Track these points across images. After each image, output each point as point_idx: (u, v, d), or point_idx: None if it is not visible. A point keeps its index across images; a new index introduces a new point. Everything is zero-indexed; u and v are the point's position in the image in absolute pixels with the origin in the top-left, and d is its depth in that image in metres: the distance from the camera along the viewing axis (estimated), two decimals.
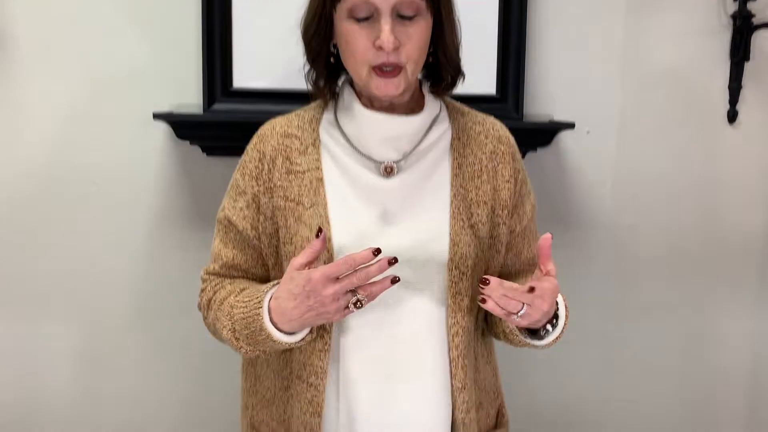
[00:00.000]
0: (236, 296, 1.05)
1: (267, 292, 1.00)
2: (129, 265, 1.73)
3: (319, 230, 0.94)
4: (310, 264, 0.96)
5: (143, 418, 1.78)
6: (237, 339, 1.03)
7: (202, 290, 1.15)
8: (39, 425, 1.76)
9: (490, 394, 1.18)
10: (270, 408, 1.14)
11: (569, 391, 1.80)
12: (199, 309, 1.16)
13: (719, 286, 1.86)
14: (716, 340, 1.88)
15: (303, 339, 1.01)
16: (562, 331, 1.06)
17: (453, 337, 1.07)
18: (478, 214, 1.09)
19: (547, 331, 1.04)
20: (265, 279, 1.13)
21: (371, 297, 0.95)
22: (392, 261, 0.93)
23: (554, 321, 1.04)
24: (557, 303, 1.03)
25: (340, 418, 1.07)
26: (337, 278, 0.93)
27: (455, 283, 1.06)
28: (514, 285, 0.94)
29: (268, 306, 0.98)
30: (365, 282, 0.93)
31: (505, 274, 1.17)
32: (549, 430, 1.81)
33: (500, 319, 1.04)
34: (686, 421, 1.90)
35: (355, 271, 0.93)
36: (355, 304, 0.93)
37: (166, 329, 1.75)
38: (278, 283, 1.00)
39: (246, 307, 1.01)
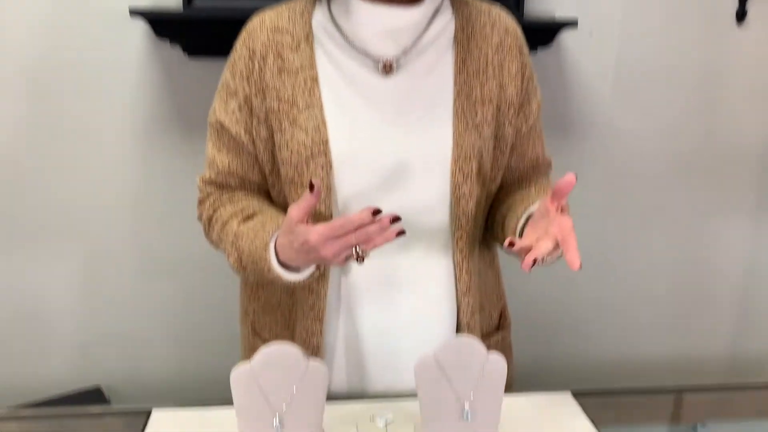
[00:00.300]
0: (239, 225, 1.01)
1: (272, 234, 0.96)
2: (112, 175, 1.68)
3: (311, 184, 0.88)
4: (307, 216, 0.91)
5: (143, 330, 1.78)
6: (244, 269, 1.00)
7: (200, 202, 1.11)
8: (42, 338, 1.75)
9: (493, 297, 1.18)
10: (275, 313, 1.12)
11: (569, 295, 1.81)
12: (199, 220, 1.12)
13: (719, 191, 1.85)
14: (713, 245, 1.89)
15: (311, 275, 0.99)
16: None
17: (457, 241, 1.04)
18: (482, 114, 1.03)
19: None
20: (263, 186, 1.09)
21: (375, 247, 0.90)
22: (394, 220, 0.88)
23: None
24: None
25: (340, 323, 1.06)
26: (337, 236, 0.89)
27: (458, 186, 1.02)
28: (545, 250, 0.87)
29: (275, 248, 0.95)
30: (365, 241, 0.89)
31: (508, 177, 1.13)
32: (549, 332, 1.84)
33: (504, 236, 1.02)
34: (679, 323, 1.93)
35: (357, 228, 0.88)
36: (356, 258, 0.90)
37: (156, 238, 1.72)
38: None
39: (252, 244, 0.97)
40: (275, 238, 0.95)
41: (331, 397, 1.09)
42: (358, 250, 0.89)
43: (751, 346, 1.99)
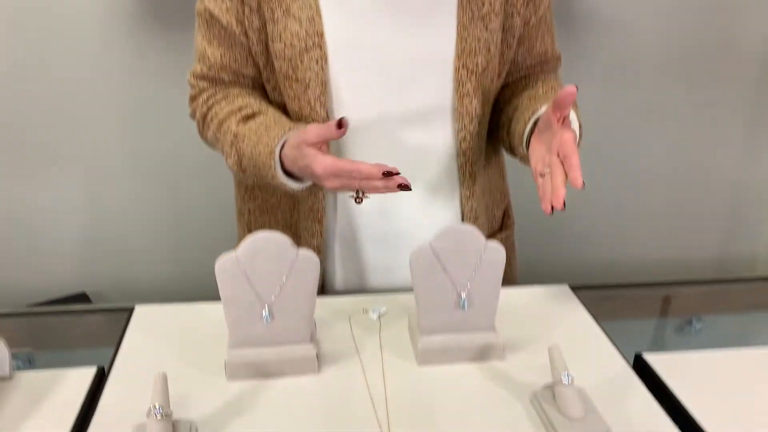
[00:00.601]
0: (238, 125, 0.94)
1: (278, 141, 0.89)
2: (100, 73, 1.58)
3: (340, 122, 0.82)
4: (322, 144, 0.86)
5: (135, 236, 1.73)
6: (243, 171, 0.94)
7: (192, 98, 1.03)
8: (33, 245, 1.70)
9: (497, 196, 1.13)
10: (274, 214, 1.08)
11: (570, 194, 1.77)
12: (191, 118, 1.04)
13: (718, 90, 1.79)
14: (710, 145, 1.84)
15: (314, 183, 0.93)
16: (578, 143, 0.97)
17: (461, 142, 0.98)
18: (490, 3, 0.94)
19: None
20: (257, 80, 1.01)
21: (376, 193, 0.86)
22: (403, 187, 0.83)
23: None
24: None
25: (338, 225, 1.02)
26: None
27: (462, 83, 0.95)
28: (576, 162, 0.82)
29: (280, 156, 0.89)
30: (368, 188, 0.84)
31: (514, 73, 1.06)
32: (551, 233, 1.81)
33: (510, 141, 0.98)
34: (672, 224, 1.91)
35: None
36: (355, 199, 0.86)
37: (148, 139, 1.64)
38: (291, 132, 0.89)
39: (255, 149, 0.90)
40: (281, 145, 0.89)
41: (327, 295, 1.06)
42: (359, 193, 0.85)
43: (740, 249, 1.98)
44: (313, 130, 0.85)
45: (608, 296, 1.46)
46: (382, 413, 0.77)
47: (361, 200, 0.86)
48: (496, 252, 0.84)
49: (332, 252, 1.05)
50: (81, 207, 1.69)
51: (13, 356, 0.82)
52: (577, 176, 0.81)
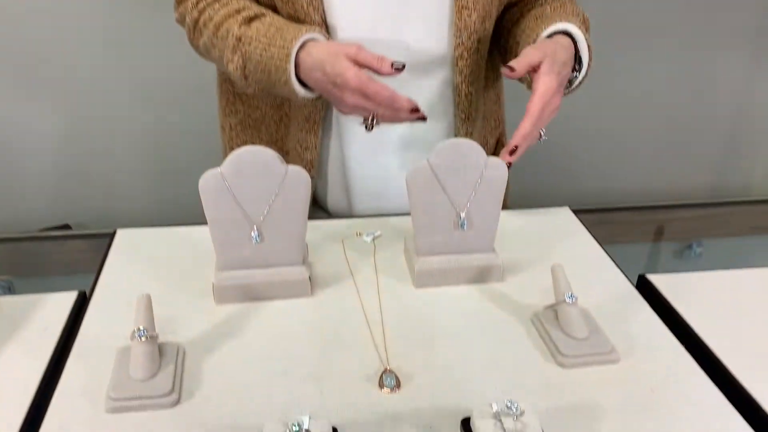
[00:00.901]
0: (241, 27, 0.86)
1: (295, 43, 0.82)
2: None
3: (396, 65, 0.80)
4: (361, 66, 0.80)
5: (117, 163, 1.66)
6: (246, 78, 0.87)
7: (178, 2, 0.95)
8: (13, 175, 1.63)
9: (491, 123, 1.08)
10: (258, 128, 1.02)
11: (567, 119, 1.71)
12: (179, 23, 0.96)
13: (722, 14, 1.71)
14: (712, 71, 1.78)
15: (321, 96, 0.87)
16: (587, 69, 0.91)
17: (457, 60, 0.92)
18: None
19: (572, 83, 0.90)
20: None
21: (384, 122, 0.83)
22: (421, 118, 0.82)
23: (577, 66, 0.89)
24: (576, 46, 0.88)
25: (332, 141, 0.97)
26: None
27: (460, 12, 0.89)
28: (523, 131, 0.81)
29: (296, 60, 0.83)
30: (386, 117, 0.82)
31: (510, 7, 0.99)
32: (547, 162, 1.76)
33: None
34: (669, 150, 1.86)
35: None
36: (367, 125, 0.82)
37: (129, 60, 1.56)
38: (309, 34, 0.84)
39: (266, 51, 0.83)
40: (299, 44, 0.83)
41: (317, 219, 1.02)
42: (375, 119, 0.81)
43: (735, 176, 1.95)
44: (362, 50, 0.80)
45: (607, 220, 1.44)
46: (378, 335, 0.74)
47: (372, 128, 0.82)
48: (497, 168, 0.79)
49: (325, 168, 1.00)
50: (59, 135, 1.62)
51: None
52: (508, 150, 0.81)
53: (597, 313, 0.76)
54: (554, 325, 0.73)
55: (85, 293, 0.80)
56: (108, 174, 1.68)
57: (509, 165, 0.81)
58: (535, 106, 0.81)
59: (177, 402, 0.64)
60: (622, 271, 0.86)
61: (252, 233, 0.76)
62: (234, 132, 1.03)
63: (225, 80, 1.02)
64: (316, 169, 0.99)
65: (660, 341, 0.73)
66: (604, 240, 0.95)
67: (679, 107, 1.81)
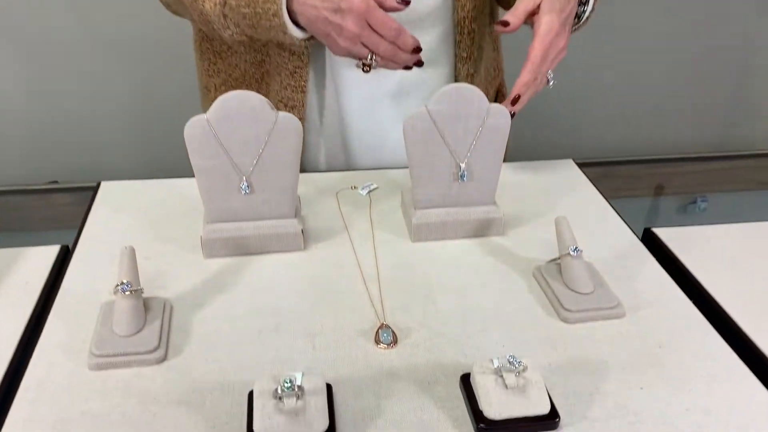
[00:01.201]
0: None
1: None
2: None
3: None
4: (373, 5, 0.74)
5: (99, 122, 1.61)
6: (224, 16, 0.80)
7: None
8: None
9: (491, 71, 1.03)
10: (239, 88, 0.96)
11: (572, 75, 1.66)
12: None
13: None
14: (718, 23, 1.72)
15: (311, 38, 0.80)
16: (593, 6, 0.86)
17: None
18: None
19: (580, 17, 0.85)
20: None
21: (381, 64, 0.77)
22: (418, 63, 0.78)
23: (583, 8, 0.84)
24: None
25: (324, 94, 0.92)
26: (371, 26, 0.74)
27: None
28: (524, 78, 0.77)
29: None
30: (386, 55, 0.75)
31: None
32: (548, 115, 1.71)
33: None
34: (673, 105, 1.81)
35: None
36: (364, 64, 0.76)
37: (105, 18, 1.49)
38: None
39: None
40: None
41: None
42: (373, 58, 0.75)
43: (740, 132, 1.91)
44: None
45: (611, 174, 1.39)
46: (374, 290, 0.71)
47: (370, 68, 0.77)
48: (500, 116, 0.75)
49: (314, 126, 0.95)
50: (39, 92, 1.56)
51: None
52: (510, 100, 0.78)
53: (602, 267, 0.73)
54: (557, 280, 0.70)
55: (68, 247, 0.77)
56: (95, 130, 1.63)
57: (512, 115, 0.77)
58: (535, 50, 0.77)
59: (163, 358, 0.61)
60: (627, 224, 0.83)
61: (241, 184, 0.73)
62: (218, 93, 0.98)
63: (203, 38, 0.96)
64: (305, 128, 0.94)
65: (667, 296, 0.71)
66: (607, 194, 0.92)
67: (684, 59, 1.75)
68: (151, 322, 0.63)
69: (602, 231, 0.82)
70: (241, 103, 0.69)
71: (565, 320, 0.67)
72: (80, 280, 0.71)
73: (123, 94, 1.58)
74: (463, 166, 0.76)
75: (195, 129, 0.70)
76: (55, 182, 1.65)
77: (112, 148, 1.64)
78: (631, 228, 0.82)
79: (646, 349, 0.63)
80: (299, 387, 0.53)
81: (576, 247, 0.69)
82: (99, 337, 0.61)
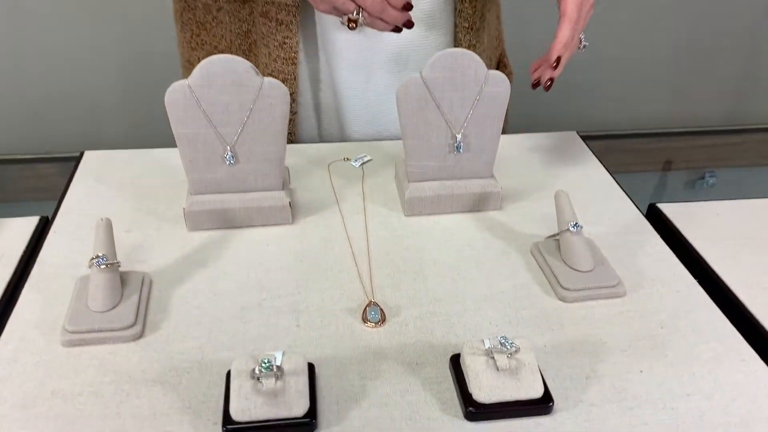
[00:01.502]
0: None
1: None
2: None
3: None
4: None
5: (91, 91, 1.57)
6: None
7: None
8: None
9: (493, 41, 0.98)
10: None
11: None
12: None
13: None
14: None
15: None
16: None
17: None
18: None
19: None
20: None
21: (368, 22, 0.72)
22: (407, 24, 0.73)
23: None
24: None
25: (315, 66, 0.88)
26: None
27: None
28: (564, 37, 0.72)
29: None
30: (374, 10, 0.70)
31: None
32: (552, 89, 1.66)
33: None
34: (681, 76, 1.75)
35: None
36: (349, 19, 0.71)
37: None
38: None
39: None
40: None
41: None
42: (360, 14, 0.71)
43: (751, 104, 1.85)
44: None
45: (616, 147, 1.34)
46: (363, 266, 0.68)
47: (356, 26, 0.72)
48: (499, 84, 0.71)
49: (307, 99, 0.91)
50: (27, 60, 1.51)
51: None
52: (551, 64, 0.73)
53: (603, 244, 0.70)
54: (556, 257, 0.67)
55: (47, 218, 0.74)
56: (85, 98, 1.58)
57: (550, 83, 0.73)
58: (570, 5, 0.71)
59: (140, 335, 0.58)
60: (631, 199, 0.79)
61: (225, 154, 0.69)
62: None
63: (185, 8, 0.91)
64: (296, 102, 0.90)
65: (671, 274, 0.67)
66: (611, 168, 0.88)
67: (693, 28, 1.69)
68: (128, 297, 0.60)
69: (605, 206, 0.78)
70: (224, 68, 0.66)
71: (562, 299, 0.64)
72: (58, 253, 0.68)
73: (113, 61, 1.53)
74: (459, 136, 0.73)
75: (176, 95, 0.66)
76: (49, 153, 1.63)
77: (104, 117, 1.60)
78: (635, 203, 0.79)
79: (647, 330, 0.60)
80: (278, 367, 0.50)
81: (576, 223, 0.66)
82: (73, 312, 0.58)
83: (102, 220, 0.61)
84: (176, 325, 0.60)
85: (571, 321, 0.61)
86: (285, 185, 0.74)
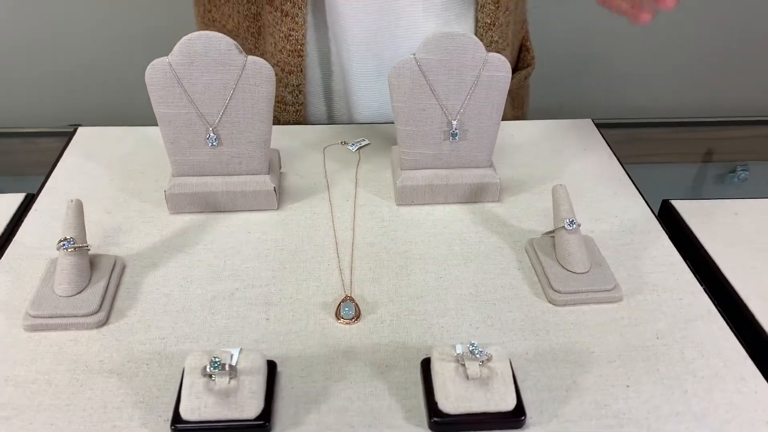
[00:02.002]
0: None
1: None
2: None
3: None
4: None
5: (111, 64, 1.55)
6: None
7: None
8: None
9: (517, 26, 0.92)
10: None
11: (597, 28, 1.52)
12: None
13: None
14: None
15: None
16: None
17: None
18: None
19: None
20: None
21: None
22: None
23: None
24: None
25: (332, 60, 0.84)
26: None
27: None
28: None
29: None
30: None
31: None
32: (572, 72, 1.58)
33: None
34: (713, 61, 1.64)
35: None
36: None
37: None
38: None
39: None
40: None
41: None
42: None
43: None
44: None
45: (639, 137, 1.25)
46: (346, 257, 0.64)
47: None
48: (498, 67, 0.66)
49: (317, 89, 0.88)
50: (47, 30, 1.50)
51: None
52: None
53: (605, 244, 0.65)
54: (550, 256, 0.63)
55: (32, 195, 0.73)
56: (107, 73, 1.57)
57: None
58: None
59: (104, 322, 0.56)
60: (642, 195, 0.74)
61: (207, 135, 0.67)
62: None
63: None
64: (304, 94, 0.86)
65: (675, 280, 0.62)
66: (633, 159, 0.83)
67: (727, 10, 1.58)
68: (95, 282, 0.58)
69: (613, 202, 0.73)
70: (206, 46, 0.63)
71: (552, 302, 0.59)
72: (35, 232, 0.66)
73: (137, 36, 1.52)
74: (455, 123, 0.68)
75: (156, 73, 0.64)
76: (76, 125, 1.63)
77: (132, 91, 1.59)
78: (646, 200, 0.73)
79: (640, 340, 0.56)
80: (231, 367, 0.48)
81: (572, 220, 0.61)
82: (38, 296, 0.57)
83: (72, 201, 0.59)
84: (143, 313, 0.57)
85: (559, 327, 0.57)
86: (272, 169, 0.71)
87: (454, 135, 0.69)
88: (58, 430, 0.48)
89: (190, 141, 0.67)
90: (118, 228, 0.67)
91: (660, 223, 0.70)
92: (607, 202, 0.73)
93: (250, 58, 0.64)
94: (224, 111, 0.66)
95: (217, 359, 0.47)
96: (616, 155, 0.81)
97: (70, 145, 0.81)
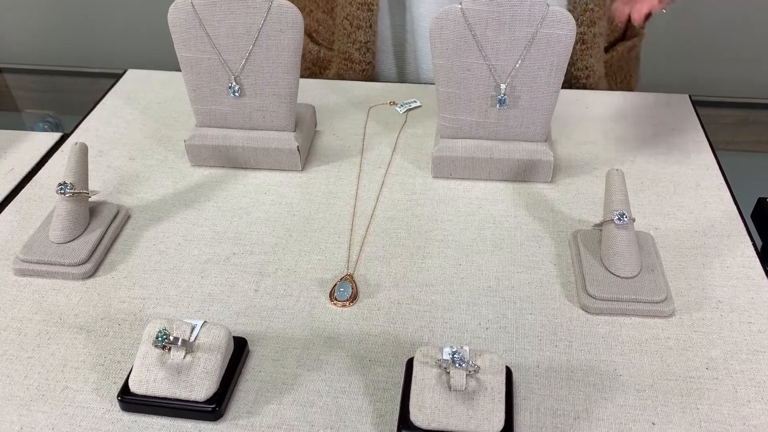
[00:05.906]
0: None
1: None
2: None
3: None
4: None
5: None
6: None
7: None
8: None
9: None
10: None
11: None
12: None
13: None
14: None
15: None
16: None
17: None
18: None
19: None
20: None
21: None
22: None
23: None
24: None
25: (407, 18, 0.77)
26: None
27: None
28: None
29: None
30: None
31: None
32: (679, 46, 1.38)
33: None
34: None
35: None
36: None
37: None
38: None
39: None
40: None
41: None
42: None
43: None
44: None
45: (754, 119, 1.05)
46: (360, 231, 0.58)
47: None
48: (561, 24, 0.56)
49: (386, 46, 0.80)
50: None
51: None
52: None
53: (668, 245, 0.54)
54: (593, 253, 0.53)
55: (67, 136, 0.72)
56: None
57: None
58: None
59: (89, 274, 0.54)
60: (730, 190, 0.61)
61: (229, 84, 0.62)
62: None
63: None
64: (373, 53, 0.79)
65: (749, 298, 0.50)
66: (744, 145, 0.69)
67: None
68: (91, 231, 0.56)
69: (692, 195, 0.61)
70: None
71: (584, 308, 0.50)
72: (55, 173, 0.65)
73: None
74: (504, 87, 0.59)
75: (179, 14, 0.59)
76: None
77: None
78: (733, 195, 0.61)
79: (685, 368, 0.45)
80: (185, 341, 0.43)
81: (623, 213, 0.51)
82: (31, 240, 0.55)
83: (76, 144, 0.57)
84: (132, 268, 0.54)
85: (585, 339, 0.48)
86: (300, 126, 0.65)
87: (502, 101, 0.59)
88: (12, 383, 0.45)
89: (212, 89, 0.62)
90: (136, 176, 0.64)
91: (746, 225, 0.57)
92: (684, 194, 0.61)
93: (276, 0, 0.58)
94: (248, 58, 0.60)
95: (164, 331, 0.42)
96: (709, 139, 0.68)
97: (116, 86, 0.79)
